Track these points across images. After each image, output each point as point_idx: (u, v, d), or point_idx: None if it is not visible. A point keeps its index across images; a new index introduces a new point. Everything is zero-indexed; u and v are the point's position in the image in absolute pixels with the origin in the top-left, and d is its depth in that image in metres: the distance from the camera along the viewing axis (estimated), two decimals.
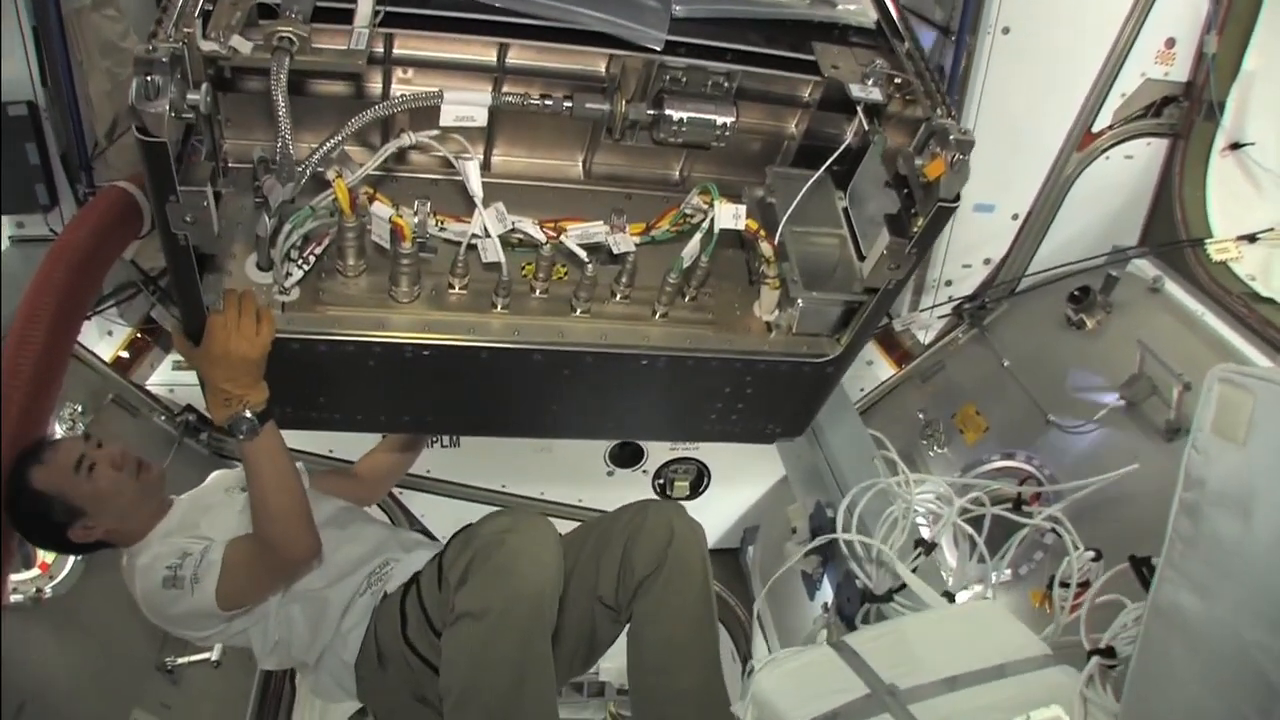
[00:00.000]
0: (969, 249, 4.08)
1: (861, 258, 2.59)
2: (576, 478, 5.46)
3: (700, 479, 5.56)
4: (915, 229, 2.34)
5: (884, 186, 2.51)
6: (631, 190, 2.84)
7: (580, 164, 2.86)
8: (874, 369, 4.69)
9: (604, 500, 5.55)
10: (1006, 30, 3.40)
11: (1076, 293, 3.88)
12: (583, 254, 2.48)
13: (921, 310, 4.29)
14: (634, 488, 5.46)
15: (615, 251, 2.53)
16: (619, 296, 2.65)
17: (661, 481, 5.51)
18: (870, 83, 2.40)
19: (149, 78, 1.82)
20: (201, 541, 2.68)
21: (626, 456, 5.30)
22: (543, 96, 2.39)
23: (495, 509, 2.83)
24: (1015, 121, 3.62)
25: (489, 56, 2.48)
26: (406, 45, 2.44)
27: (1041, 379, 3.99)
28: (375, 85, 2.54)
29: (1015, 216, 3.95)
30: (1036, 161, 3.81)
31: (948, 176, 2.19)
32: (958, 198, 2.24)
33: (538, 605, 2.51)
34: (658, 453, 5.34)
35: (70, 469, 2.60)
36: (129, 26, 3.48)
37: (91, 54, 3.27)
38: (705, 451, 5.39)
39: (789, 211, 2.60)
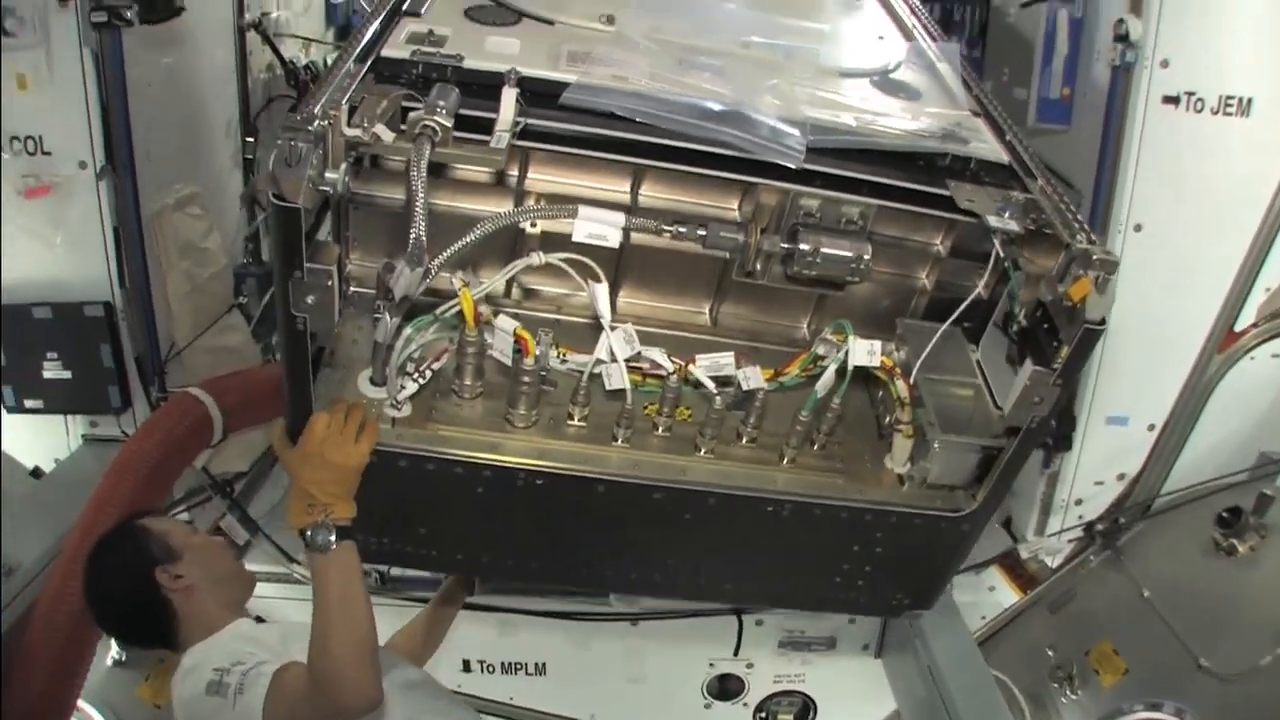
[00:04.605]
0: (1101, 465, 3.88)
1: (998, 408, 2.45)
2: (671, 711, 5.06)
3: (805, 712, 5.11)
4: (1060, 359, 2.20)
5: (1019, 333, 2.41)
6: (759, 344, 2.74)
7: (707, 312, 2.80)
8: (996, 594, 4.34)
9: None
10: (1139, 228, 3.36)
11: (1225, 514, 3.59)
12: (712, 385, 2.39)
13: (1049, 535, 4.04)
14: None
15: (745, 387, 2.42)
16: (745, 439, 2.53)
17: (764, 715, 5.08)
18: (1007, 215, 2.34)
19: (293, 143, 1.85)
20: (261, 653, 2.38)
21: (725, 690, 4.95)
22: (675, 223, 2.36)
23: None
24: (1150, 325, 3.50)
25: (622, 186, 2.49)
26: (539, 170, 2.46)
27: (1189, 613, 3.63)
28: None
29: (1151, 427, 3.77)
30: (1174, 366, 3.66)
31: (1094, 297, 2.09)
32: (1104, 321, 2.12)
33: None
34: (759, 685, 4.96)
35: (183, 524, 2.69)
36: (212, 224, 3.60)
37: (170, 254, 3.37)
38: (811, 683, 4.98)
39: (921, 359, 2.49)
